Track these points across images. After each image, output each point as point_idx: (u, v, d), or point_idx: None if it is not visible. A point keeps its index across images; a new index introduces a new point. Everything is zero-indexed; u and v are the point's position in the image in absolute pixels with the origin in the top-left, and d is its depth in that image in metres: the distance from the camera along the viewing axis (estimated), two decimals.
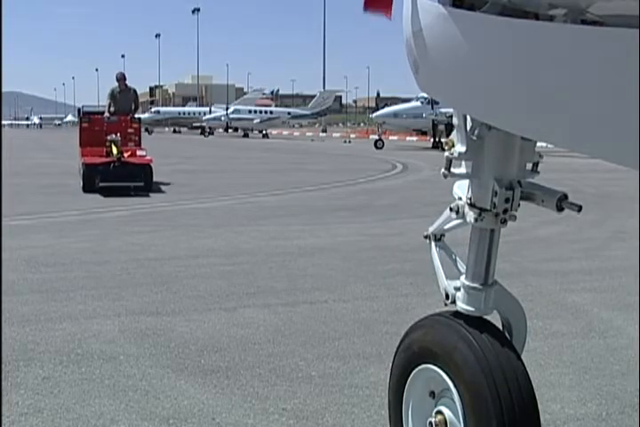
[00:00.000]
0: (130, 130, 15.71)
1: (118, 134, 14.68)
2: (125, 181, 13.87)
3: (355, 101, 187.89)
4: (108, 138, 14.52)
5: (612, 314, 5.47)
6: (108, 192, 13.44)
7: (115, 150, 14.21)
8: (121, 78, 16.05)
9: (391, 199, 13.58)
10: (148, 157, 14.75)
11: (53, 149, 35.42)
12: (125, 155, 14.35)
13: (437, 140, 37.83)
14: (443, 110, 33.87)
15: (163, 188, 15.03)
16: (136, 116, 16.60)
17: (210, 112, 74.92)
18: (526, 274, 6.77)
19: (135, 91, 16.61)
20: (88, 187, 13.84)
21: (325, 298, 5.88)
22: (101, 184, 13.69)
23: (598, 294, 6.08)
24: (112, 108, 15.80)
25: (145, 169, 14.19)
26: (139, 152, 15.18)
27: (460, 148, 2.31)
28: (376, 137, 41.24)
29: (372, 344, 4.67)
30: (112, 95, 16.01)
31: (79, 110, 17.33)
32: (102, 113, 16.18)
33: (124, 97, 15.89)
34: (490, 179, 2.26)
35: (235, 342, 4.71)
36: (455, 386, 2.26)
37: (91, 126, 15.61)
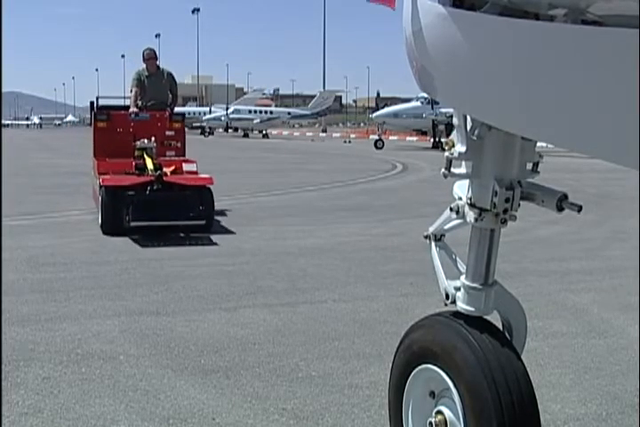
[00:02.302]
0: (169, 132, 10.63)
1: (153, 139, 9.68)
2: (173, 216, 8.64)
3: (355, 101, 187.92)
4: (138, 144, 9.58)
5: (612, 314, 5.47)
6: (144, 235, 8.51)
7: (149, 164, 9.13)
8: (150, 57, 10.95)
9: (391, 199, 13.57)
10: (204, 176, 9.50)
11: (54, 149, 35.41)
12: (166, 170, 9.19)
13: (437, 140, 37.81)
14: (443, 110, 33.87)
15: None
16: (177, 110, 11.56)
17: (210, 112, 74.86)
18: (526, 274, 6.78)
19: (171, 74, 11.19)
20: (111, 226, 8.69)
21: (325, 298, 5.88)
22: (134, 223, 8.41)
23: (598, 294, 6.08)
24: (140, 101, 10.89)
25: (203, 195, 8.89)
26: (186, 166, 9.96)
27: (460, 148, 2.31)
28: (376, 137, 41.22)
29: (372, 344, 4.67)
30: (139, 81, 10.90)
31: (92, 104, 11.57)
32: (126, 107, 11.14)
33: (155, 84, 10.92)
34: (490, 179, 2.26)
35: (235, 342, 4.71)
36: (455, 386, 2.26)
37: (110, 127, 10.60)
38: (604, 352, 4.57)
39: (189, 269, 6.89)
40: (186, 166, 10.02)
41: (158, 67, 11.10)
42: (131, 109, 10.80)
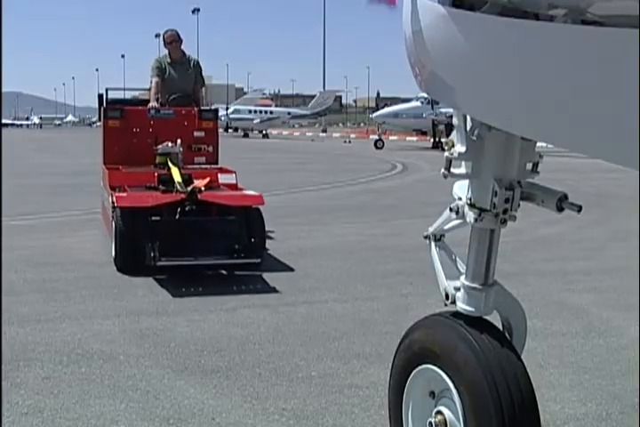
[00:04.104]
0: (198, 133, 8.52)
1: (179, 142, 7.72)
2: (215, 251, 6.34)
3: (355, 101, 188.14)
4: (160, 149, 7.70)
5: (612, 314, 5.47)
6: (173, 276, 6.36)
7: (176, 175, 7.06)
8: (173, 40, 8.85)
9: (391, 199, 13.58)
10: (250, 192, 7.29)
11: (54, 149, 35.41)
12: (198, 183, 6.97)
13: (437, 140, 37.81)
14: (443, 110, 33.86)
15: None
16: (207, 106, 9.24)
17: None
18: (526, 274, 6.78)
19: (198, 63, 9.09)
20: (128, 262, 6.52)
21: (325, 298, 5.88)
22: (162, 262, 6.07)
23: (598, 294, 6.08)
24: (160, 94, 8.77)
25: (251, 220, 6.69)
26: (223, 177, 7.85)
27: (459, 148, 2.31)
28: (376, 137, 41.24)
29: (372, 344, 4.67)
30: (159, 70, 8.77)
31: (101, 97, 9.34)
32: (144, 102, 9.09)
33: (180, 73, 8.83)
34: (490, 179, 2.26)
35: (235, 342, 4.71)
36: (455, 386, 2.26)
37: (124, 126, 8.45)
38: (604, 352, 4.57)
39: (189, 268, 6.87)
40: (222, 178, 7.80)
41: (184, 53, 8.99)
42: (150, 104, 8.67)
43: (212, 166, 8.49)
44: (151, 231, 6.30)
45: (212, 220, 6.66)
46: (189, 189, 6.68)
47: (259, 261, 6.46)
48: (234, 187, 7.78)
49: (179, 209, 6.52)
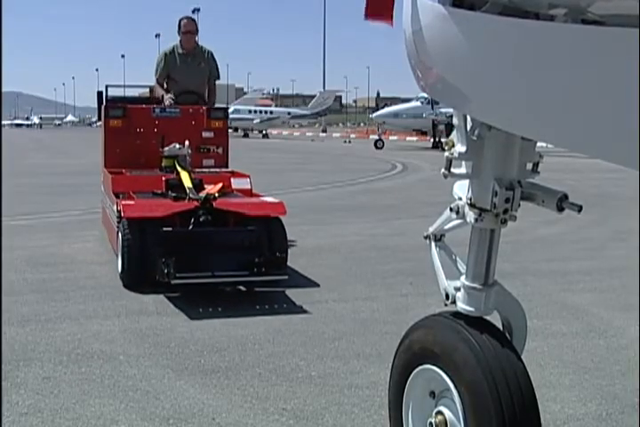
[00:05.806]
0: (207, 133, 7.99)
1: (187, 143, 7.21)
2: (236, 267, 5.73)
3: (355, 101, 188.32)
4: (166, 151, 7.25)
5: (612, 314, 5.47)
6: (187, 292, 5.79)
7: (186, 180, 6.58)
8: (188, 30, 8.13)
9: (391, 199, 13.57)
10: (269, 199, 6.90)
11: (54, 148, 35.42)
12: (211, 190, 6.38)
13: (437, 140, 37.82)
14: (443, 110, 33.89)
15: None
16: (218, 105, 8.79)
17: None
18: (526, 274, 6.77)
19: (213, 55, 8.31)
20: (137, 279, 5.92)
21: (325, 298, 5.88)
22: (178, 280, 5.45)
23: (598, 294, 6.08)
24: (166, 92, 8.13)
25: (273, 231, 6.12)
26: (236, 182, 7.40)
27: (460, 148, 2.31)
28: (376, 137, 41.26)
29: (372, 344, 4.67)
30: (166, 63, 8.12)
31: (100, 94, 8.60)
32: (148, 100, 8.55)
33: (190, 67, 8.12)
34: (490, 179, 2.26)
35: (235, 342, 4.70)
36: (455, 386, 2.26)
37: (126, 126, 7.94)
38: (604, 352, 4.57)
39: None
40: (236, 183, 7.31)
41: (197, 44, 8.22)
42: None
43: (223, 170, 7.99)
44: (163, 245, 5.68)
45: (229, 231, 6.03)
46: (202, 195, 6.11)
47: (286, 277, 5.86)
48: (248, 192, 7.29)
49: (193, 220, 5.91)
